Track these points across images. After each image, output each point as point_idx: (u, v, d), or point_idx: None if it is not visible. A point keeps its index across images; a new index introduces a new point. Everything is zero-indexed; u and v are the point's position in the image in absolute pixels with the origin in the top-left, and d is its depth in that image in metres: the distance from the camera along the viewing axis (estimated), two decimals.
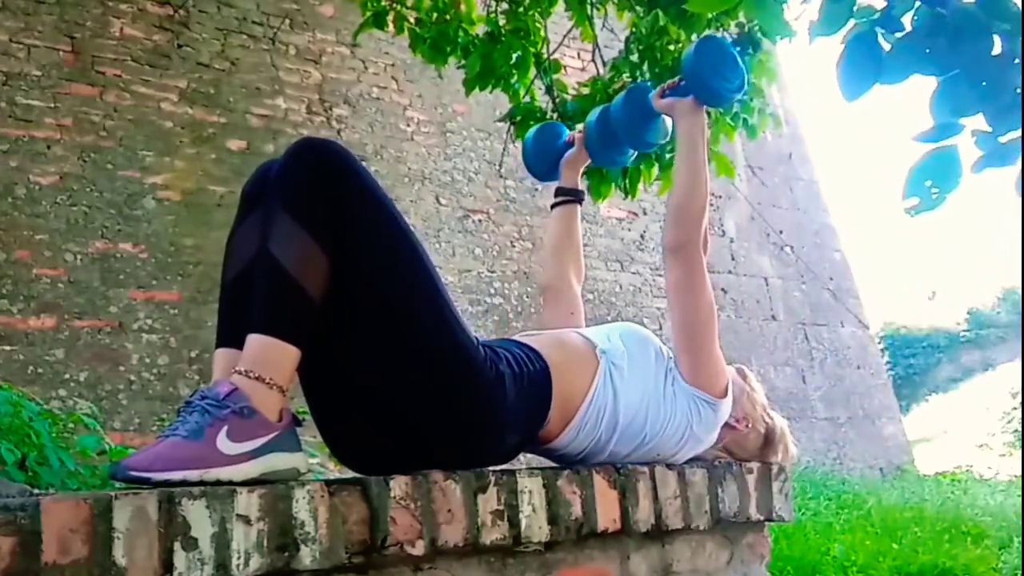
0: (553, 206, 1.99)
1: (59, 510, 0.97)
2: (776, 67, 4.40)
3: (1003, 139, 1.58)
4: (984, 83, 1.55)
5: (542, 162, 2.04)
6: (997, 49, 1.56)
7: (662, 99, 1.78)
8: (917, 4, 1.63)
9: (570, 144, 2.01)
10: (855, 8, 1.68)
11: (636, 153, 2.11)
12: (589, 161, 2.02)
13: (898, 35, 1.64)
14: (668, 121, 1.89)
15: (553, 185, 2.02)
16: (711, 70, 1.72)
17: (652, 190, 4.56)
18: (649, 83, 2.02)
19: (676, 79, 1.79)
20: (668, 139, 1.95)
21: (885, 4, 1.67)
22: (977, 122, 1.63)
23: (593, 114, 1.98)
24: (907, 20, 1.66)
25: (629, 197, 4.16)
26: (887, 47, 1.65)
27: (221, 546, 1.06)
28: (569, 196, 1.98)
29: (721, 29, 4.10)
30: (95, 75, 5.01)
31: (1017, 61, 1.53)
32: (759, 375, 1.86)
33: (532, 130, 2.10)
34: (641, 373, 1.60)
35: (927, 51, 1.58)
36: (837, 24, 1.67)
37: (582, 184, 2.06)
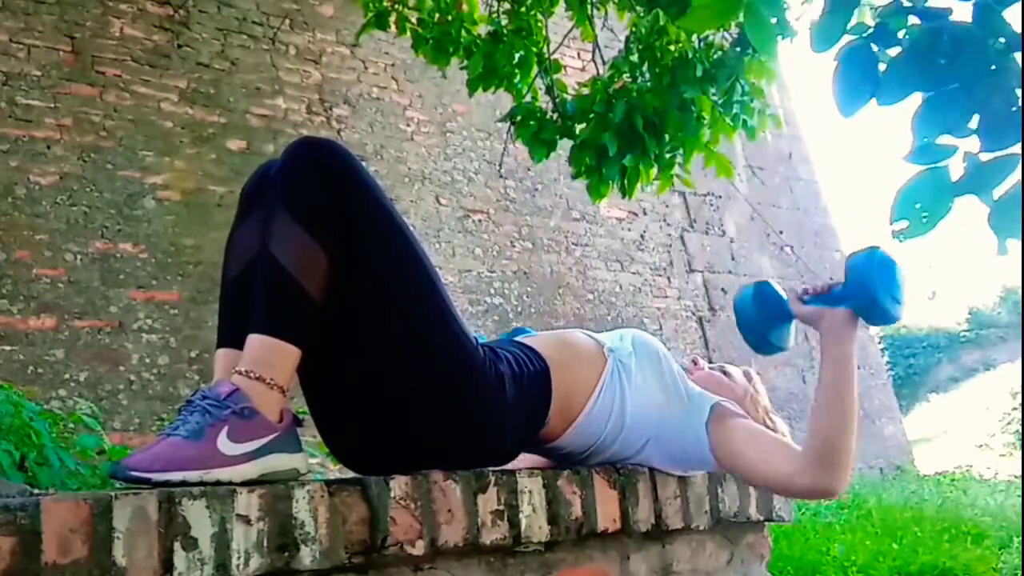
0: None
1: (59, 510, 0.96)
2: (776, 67, 4.40)
3: (985, 157, 1.51)
4: (981, 101, 1.50)
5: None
6: (993, 66, 1.52)
7: (804, 305, 1.53)
8: (913, 20, 1.61)
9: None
10: (851, 23, 1.64)
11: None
12: None
13: (893, 51, 1.61)
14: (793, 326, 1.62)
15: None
16: (882, 284, 1.46)
17: (651, 190, 4.56)
18: (771, 282, 1.67)
19: (826, 284, 1.54)
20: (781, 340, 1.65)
21: (879, 19, 1.64)
22: (970, 144, 1.56)
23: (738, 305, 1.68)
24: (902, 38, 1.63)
25: (627, 197, 4.16)
26: (883, 65, 1.62)
27: (221, 546, 1.06)
28: None
29: (722, 28, 4.10)
30: (95, 75, 5.01)
31: (1014, 81, 1.50)
32: (759, 375, 1.85)
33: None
34: (651, 378, 1.58)
35: (923, 69, 1.54)
36: (832, 39, 1.64)
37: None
